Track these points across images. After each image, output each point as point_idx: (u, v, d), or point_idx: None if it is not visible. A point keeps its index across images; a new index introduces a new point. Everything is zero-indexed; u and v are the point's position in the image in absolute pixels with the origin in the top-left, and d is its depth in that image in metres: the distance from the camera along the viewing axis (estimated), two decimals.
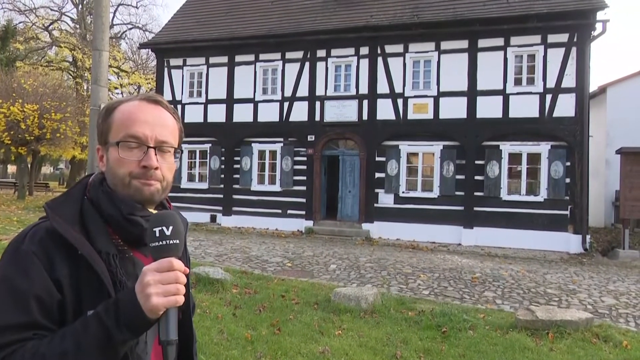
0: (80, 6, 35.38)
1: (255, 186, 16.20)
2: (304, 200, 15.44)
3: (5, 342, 0.94)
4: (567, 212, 13.04)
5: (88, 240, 1.03)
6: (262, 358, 4.58)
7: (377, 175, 14.73)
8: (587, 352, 5.04)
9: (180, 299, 0.95)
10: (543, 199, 13.26)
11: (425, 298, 7.47)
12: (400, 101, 14.52)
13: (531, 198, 13.37)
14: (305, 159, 15.53)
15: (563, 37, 13.17)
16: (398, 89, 14.55)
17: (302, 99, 15.58)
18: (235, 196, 16.34)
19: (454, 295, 7.85)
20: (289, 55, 15.88)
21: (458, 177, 13.96)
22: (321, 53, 15.46)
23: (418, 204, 14.28)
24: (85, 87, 32.06)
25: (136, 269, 1.09)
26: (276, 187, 15.94)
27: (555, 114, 13.12)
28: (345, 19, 15.57)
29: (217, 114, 16.64)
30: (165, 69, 17.52)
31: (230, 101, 16.51)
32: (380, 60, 14.78)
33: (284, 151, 15.89)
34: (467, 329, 5.61)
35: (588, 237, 12.81)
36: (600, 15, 12.89)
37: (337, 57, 15.31)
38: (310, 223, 15.13)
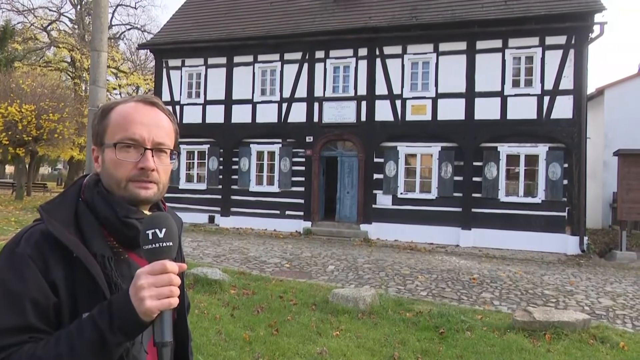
0: (78, 7, 35.35)
1: (253, 187, 16.20)
2: (302, 201, 15.44)
3: (1, 345, 0.94)
4: (565, 214, 13.07)
5: (83, 242, 1.03)
6: (260, 359, 4.59)
7: (376, 176, 14.74)
8: (584, 353, 5.05)
9: (174, 302, 0.95)
10: (541, 201, 13.28)
11: (423, 299, 7.48)
12: (398, 102, 14.54)
13: (529, 199, 13.40)
14: (303, 160, 15.54)
15: (561, 39, 13.21)
16: (396, 90, 14.58)
17: (300, 100, 15.59)
18: (233, 197, 16.34)
19: (452, 296, 7.86)
20: (287, 56, 15.89)
21: (456, 178, 13.98)
22: (320, 54, 15.47)
23: (416, 205, 14.29)
24: (83, 88, 32.00)
25: (131, 271, 1.08)
26: (274, 188, 15.94)
27: (553, 115, 13.15)
28: (344, 20, 15.59)
29: (215, 114, 16.63)
30: (164, 70, 17.51)
31: (228, 102, 16.51)
32: (378, 61, 14.80)
33: (282, 152, 15.90)
34: (464, 330, 5.62)
35: (585, 238, 12.84)
36: (597, 17, 12.95)
37: (336, 58, 15.32)
38: (308, 224, 15.13)
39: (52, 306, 0.99)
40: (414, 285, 8.55)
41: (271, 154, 16.11)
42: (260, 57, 16.20)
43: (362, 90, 14.92)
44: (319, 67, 15.46)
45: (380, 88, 14.72)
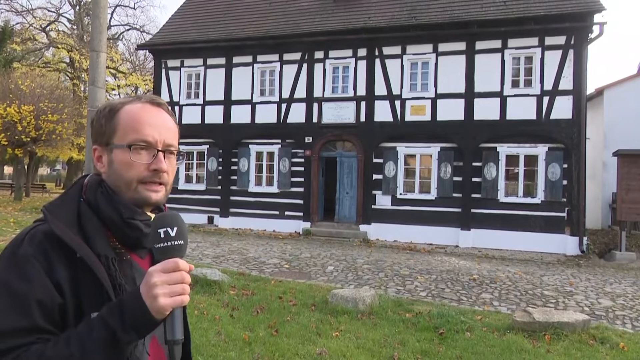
0: (77, 7, 35.34)
1: (252, 187, 16.19)
2: (301, 201, 15.43)
3: (9, 347, 0.93)
4: (564, 214, 13.07)
5: (86, 243, 1.03)
6: (260, 359, 4.58)
7: (375, 176, 14.74)
8: (584, 353, 5.04)
9: (186, 299, 0.97)
10: (540, 201, 13.28)
11: (423, 300, 7.47)
12: (397, 103, 14.54)
13: (528, 200, 13.40)
14: (302, 160, 15.53)
15: (560, 40, 13.21)
16: (396, 90, 14.58)
17: (299, 100, 15.59)
18: (232, 197, 16.32)
19: (451, 296, 7.86)
20: (286, 56, 15.88)
21: (455, 178, 13.98)
22: (319, 54, 15.47)
23: (415, 206, 14.29)
24: (82, 89, 31.98)
25: (133, 272, 1.09)
26: (274, 189, 15.93)
27: (553, 116, 13.15)
28: (343, 20, 15.59)
29: (214, 115, 16.62)
30: (163, 70, 17.50)
31: (227, 102, 16.50)
32: (377, 62, 14.80)
33: (281, 153, 15.89)
34: (464, 330, 5.61)
35: (585, 239, 12.84)
36: (597, 17, 12.96)
37: (335, 58, 15.32)
38: (307, 224, 15.13)
39: (58, 307, 0.99)
40: (414, 285, 8.55)
41: (270, 155, 16.10)
42: (260, 58, 16.20)
43: (362, 90, 14.92)
44: (318, 67, 15.46)
45: (380, 88, 14.72)
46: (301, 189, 15.48)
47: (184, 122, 16.82)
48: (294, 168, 15.69)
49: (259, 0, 17.83)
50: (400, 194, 14.51)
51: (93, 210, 1.08)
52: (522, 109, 13.39)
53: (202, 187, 16.78)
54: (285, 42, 15.79)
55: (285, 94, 15.81)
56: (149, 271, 0.95)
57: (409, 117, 14.44)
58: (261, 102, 16.11)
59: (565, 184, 13.10)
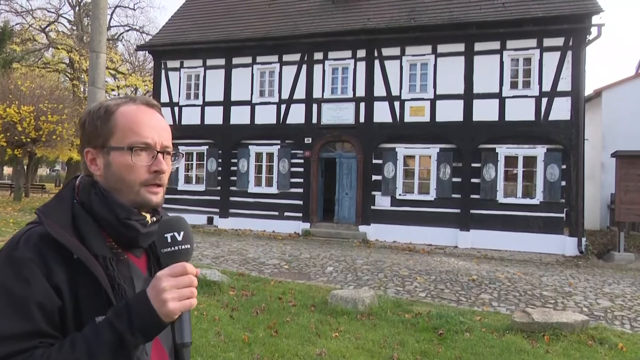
0: (77, 8, 35.34)
1: (252, 188, 16.20)
2: (300, 202, 15.44)
3: (12, 351, 0.92)
4: (563, 215, 13.09)
5: (82, 244, 1.02)
6: None
7: (374, 177, 14.75)
8: (583, 354, 5.06)
9: (195, 302, 0.97)
10: (539, 202, 13.31)
11: (422, 300, 7.49)
12: (397, 104, 14.56)
13: (527, 201, 13.42)
14: (302, 161, 15.55)
15: (559, 41, 13.25)
16: (395, 91, 14.60)
17: (299, 101, 15.61)
18: (232, 198, 16.33)
19: (451, 297, 7.87)
20: (286, 57, 15.90)
21: (454, 179, 14.01)
22: (318, 56, 15.49)
23: (415, 207, 14.31)
24: (82, 89, 31.98)
25: (131, 271, 1.09)
26: (273, 190, 15.94)
27: (551, 117, 13.18)
28: (342, 21, 15.61)
29: (214, 116, 16.63)
30: (163, 71, 17.51)
31: (227, 103, 16.51)
32: (377, 63, 14.83)
33: (281, 153, 15.91)
34: (463, 331, 5.63)
35: (584, 239, 12.86)
36: (595, 19, 13.00)
37: (334, 59, 15.34)
38: (307, 225, 15.14)
39: (57, 310, 0.98)
40: (413, 286, 8.56)
41: (270, 155, 16.11)
42: (259, 59, 16.21)
43: (361, 91, 14.94)
44: (317, 68, 15.48)
45: (379, 89, 14.74)
46: (300, 190, 15.49)
47: (183, 122, 16.84)
48: (293, 169, 15.71)
49: (258, 2, 17.85)
50: (400, 194, 14.53)
51: (87, 212, 1.07)
52: (520, 110, 13.42)
53: (201, 187, 16.79)
54: (285, 43, 15.81)
55: (285, 95, 15.83)
56: (158, 275, 0.96)
57: (408, 118, 14.46)
58: (261, 103, 16.13)
59: (564, 184, 13.13)
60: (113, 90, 33.82)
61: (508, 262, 11.64)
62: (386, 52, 14.76)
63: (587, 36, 13.09)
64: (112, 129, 1.10)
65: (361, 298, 6.41)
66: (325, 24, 15.70)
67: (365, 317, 6.08)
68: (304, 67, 15.64)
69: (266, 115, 15.98)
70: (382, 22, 14.96)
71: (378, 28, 14.74)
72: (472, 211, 13.75)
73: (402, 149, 14.60)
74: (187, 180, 17.09)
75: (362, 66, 14.98)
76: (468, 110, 13.87)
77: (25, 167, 27.87)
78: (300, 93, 15.62)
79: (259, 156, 16.28)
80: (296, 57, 15.75)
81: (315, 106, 15.35)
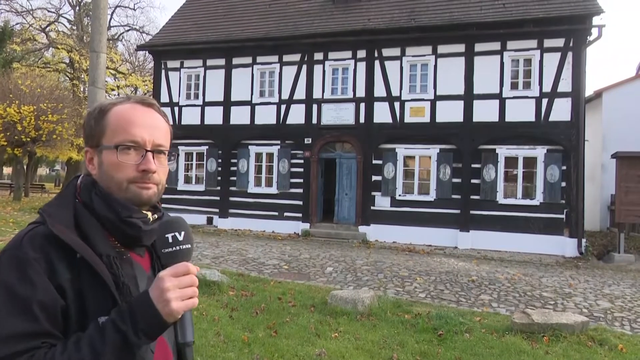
0: (77, 8, 35.36)
1: (252, 188, 16.19)
2: (300, 202, 15.44)
3: (15, 351, 0.92)
4: (563, 216, 13.09)
5: (86, 243, 1.02)
6: None
7: (374, 178, 14.75)
8: (583, 355, 5.06)
9: (196, 302, 0.98)
10: (539, 203, 13.30)
11: (422, 301, 7.48)
12: (397, 104, 14.55)
13: (527, 202, 13.42)
14: (302, 161, 15.54)
15: (559, 42, 13.24)
16: (395, 92, 14.59)
17: (299, 101, 15.60)
18: (231, 198, 16.32)
19: (450, 298, 7.87)
20: (286, 58, 15.90)
21: (454, 180, 14.00)
22: (318, 56, 15.49)
23: (414, 207, 14.30)
24: (82, 89, 31.99)
25: (134, 270, 1.09)
26: (273, 190, 15.94)
27: (551, 118, 13.18)
28: (343, 22, 15.61)
29: (214, 116, 16.63)
30: (163, 71, 17.51)
31: (227, 103, 16.51)
32: (377, 63, 14.82)
33: (280, 154, 15.90)
34: (463, 332, 5.62)
35: (584, 240, 12.85)
36: (596, 20, 12.99)
37: (335, 60, 15.34)
38: (306, 225, 15.13)
39: (60, 310, 0.98)
40: (413, 287, 8.56)
41: (270, 156, 16.11)
42: (259, 59, 16.21)
43: (361, 92, 14.94)
44: (317, 68, 15.48)
45: (379, 90, 14.74)
46: (300, 190, 15.49)
47: (183, 122, 16.83)
48: (293, 169, 15.70)
49: (258, 2, 17.85)
50: (400, 195, 14.52)
51: (89, 211, 1.07)
52: (521, 111, 13.41)
53: (201, 187, 16.78)
54: (285, 43, 15.80)
55: (285, 95, 15.83)
56: (160, 276, 0.96)
57: (408, 119, 14.46)
58: (261, 103, 16.12)
59: (564, 185, 13.13)
60: (113, 90, 33.83)
61: (508, 263, 11.64)
62: (386, 52, 14.75)
63: (588, 37, 13.09)
64: (104, 128, 1.10)
65: (361, 298, 6.40)
66: (326, 25, 15.70)
67: (364, 318, 6.07)
68: (304, 67, 15.63)
69: (266, 116, 15.98)
70: (383, 22, 14.96)
71: (378, 28, 14.73)
72: (472, 212, 13.74)
73: (402, 150, 14.59)
74: (187, 180, 17.08)
75: (362, 67, 14.98)
76: (468, 110, 13.87)
77: (25, 167, 27.87)
78: (300, 93, 15.61)
79: (258, 156, 16.28)
80: (296, 57, 15.75)
81: (315, 106, 15.34)
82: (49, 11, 34.90)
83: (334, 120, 15.13)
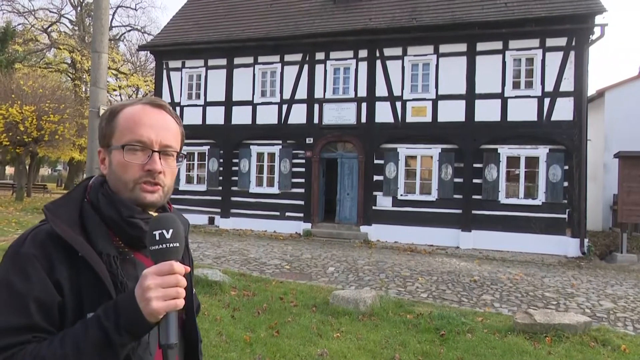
0: (79, 8, 35.43)
1: (253, 188, 16.19)
2: (302, 202, 15.43)
3: (5, 344, 0.94)
4: (565, 216, 13.06)
5: (88, 242, 1.03)
6: None
7: (376, 178, 14.74)
8: (585, 355, 5.04)
9: (180, 303, 0.95)
10: (541, 203, 13.28)
11: (424, 301, 7.47)
12: (398, 104, 14.54)
13: (529, 201, 13.39)
14: (303, 161, 15.54)
15: (561, 41, 13.21)
16: (396, 92, 14.58)
17: (300, 101, 15.60)
18: (233, 198, 16.33)
19: (452, 298, 7.85)
20: (287, 57, 15.90)
21: (456, 180, 13.98)
22: (320, 56, 15.48)
23: (416, 207, 14.29)
24: (83, 89, 32.06)
25: (137, 271, 1.09)
26: (274, 190, 15.94)
27: (554, 117, 13.15)
28: (344, 21, 15.60)
29: (215, 116, 16.64)
30: (164, 71, 17.52)
31: (228, 103, 16.51)
32: (378, 63, 14.81)
33: (282, 154, 15.90)
34: (465, 332, 5.61)
35: (586, 240, 12.82)
36: (598, 19, 12.96)
37: (336, 59, 15.33)
38: (308, 225, 15.12)
39: (57, 305, 0.99)
40: (414, 287, 8.54)
41: (271, 156, 16.11)
42: (261, 59, 16.21)
43: (362, 91, 14.92)
44: (319, 68, 15.47)
45: (381, 90, 14.72)
46: (302, 190, 15.48)
47: (185, 122, 16.32)
48: (294, 169, 15.70)
49: (259, 2, 17.86)
50: (401, 195, 14.51)
51: (95, 210, 1.09)
52: (523, 111, 13.38)
53: (203, 187, 16.79)
54: (286, 43, 15.80)
55: (286, 95, 15.83)
56: (144, 273, 0.94)
57: (409, 119, 14.44)
58: (262, 103, 16.12)
59: (566, 185, 13.10)
60: (115, 90, 33.92)
61: (510, 263, 11.61)
62: (388, 52, 14.74)
63: (590, 36, 13.05)
64: (113, 129, 1.13)
65: (363, 298, 6.39)
66: (327, 24, 15.69)
67: (366, 318, 6.06)
68: (306, 67, 15.63)
69: (268, 115, 15.98)
70: (384, 22, 14.94)
71: (380, 28, 14.72)
72: (473, 212, 13.72)
73: (403, 150, 14.58)
74: (189, 180, 17.10)
75: (363, 66, 14.97)
76: (470, 110, 13.85)
77: (27, 167, 27.94)
78: (301, 93, 15.61)
79: (260, 156, 16.28)
80: (298, 57, 15.75)
81: (316, 106, 15.34)
82: (50, 12, 35.02)
83: (335, 120, 15.13)
